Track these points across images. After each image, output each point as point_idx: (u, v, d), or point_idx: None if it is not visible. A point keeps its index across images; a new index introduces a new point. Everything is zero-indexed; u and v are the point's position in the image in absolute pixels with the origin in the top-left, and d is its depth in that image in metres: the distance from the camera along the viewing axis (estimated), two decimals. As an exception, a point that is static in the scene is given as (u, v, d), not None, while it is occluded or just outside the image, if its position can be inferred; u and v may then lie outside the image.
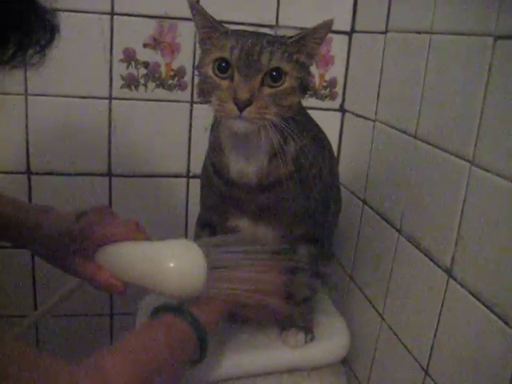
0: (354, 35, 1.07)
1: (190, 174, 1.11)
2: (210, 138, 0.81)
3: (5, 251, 1.06)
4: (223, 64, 0.67)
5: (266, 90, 0.66)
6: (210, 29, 0.69)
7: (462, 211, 0.66)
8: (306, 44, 0.69)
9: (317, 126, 0.86)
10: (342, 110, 1.12)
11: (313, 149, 0.77)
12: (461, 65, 0.68)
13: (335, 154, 1.05)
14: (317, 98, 1.11)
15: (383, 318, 0.88)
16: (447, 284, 0.69)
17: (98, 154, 1.05)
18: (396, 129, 0.85)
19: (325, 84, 1.10)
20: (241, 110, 0.64)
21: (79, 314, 1.14)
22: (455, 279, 0.67)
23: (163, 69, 1.03)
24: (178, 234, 1.13)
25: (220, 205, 0.81)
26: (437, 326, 0.71)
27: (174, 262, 0.66)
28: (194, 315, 0.65)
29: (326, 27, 0.68)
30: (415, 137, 0.79)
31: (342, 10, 1.05)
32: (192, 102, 1.06)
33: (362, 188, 0.98)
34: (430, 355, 0.72)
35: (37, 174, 1.04)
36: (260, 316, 0.85)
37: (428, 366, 0.73)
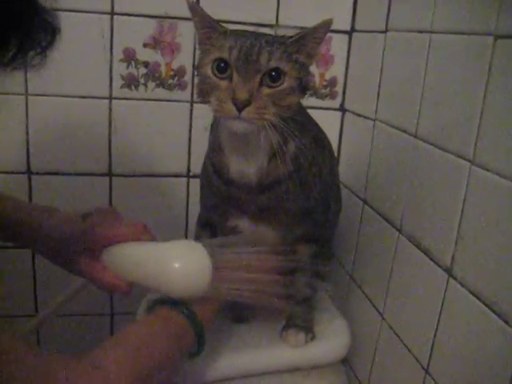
0: (354, 34, 1.07)
1: (191, 174, 1.11)
2: (210, 138, 0.81)
3: (6, 251, 1.06)
4: (222, 64, 0.67)
5: (265, 91, 0.66)
6: (209, 29, 0.69)
7: (462, 211, 0.66)
8: (305, 44, 0.68)
9: (317, 125, 0.86)
10: (342, 109, 1.12)
11: (312, 149, 0.77)
12: (461, 64, 0.68)
13: (335, 153, 1.05)
14: (317, 98, 1.11)
15: (383, 318, 0.88)
16: (447, 283, 0.69)
17: (99, 154, 1.05)
18: (396, 128, 0.85)
19: (325, 83, 1.10)
20: (240, 110, 0.64)
21: (80, 314, 1.14)
22: (455, 278, 0.67)
23: (163, 68, 1.03)
24: (178, 233, 1.13)
25: (220, 205, 0.81)
26: (437, 325, 0.71)
27: (179, 263, 0.66)
28: (190, 308, 0.65)
29: (325, 27, 0.68)
30: (415, 136, 0.78)
31: (342, 9, 1.05)
32: (192, 102, 1.06)
33: (362, 187, 0.98)
34: (431, 354, 0.73)
35: (37, 173, 1.04)
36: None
37: (428, 365, 0.73)
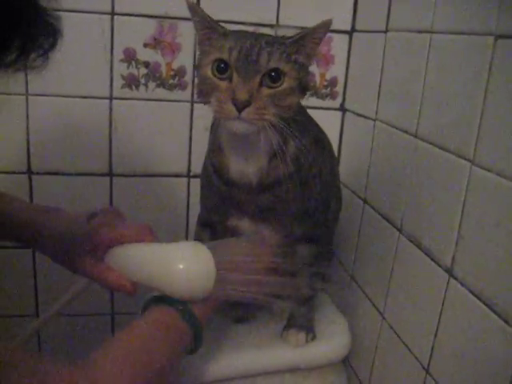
0: (355, 34, 1.07)
1: (191, 174, 1.11)
2: (210, 138, 0.81)
3: (6, 251, 1.06)
4: (222, 65, 0.66)
5: (265, 91, 0.66)
6: (209, 30, 0.69)
7: (463, 211, 0.66)
8: (304, 44, 0.68)
9: (317, 125, 0.86)
10: (342, 109, 1.12)
11: (313, 149, 0.77)
12: (461, 64, 0.68)
13: (336, 153, 1.05)
14: (317, 98, 1.11)
15: (384, 318, 0.88)
16: (448, 283, 0.69)
17: (99, 154, 1.06)
18: (396, 128, 0.85)
19: (325, 83, 1.10)
20: (239, 110, 0.64)
21: (80, 314, 1.14)
22: (456, 278, 0.67)
23: (164, 68, 1.03)
24: (178, 233, 1.13)
25: (220, 205, 0.81)
26: (437, 325, 0.71)
27: (183, 264, 0.66)
28: (187, 305, 0.65)
29: (325, 27, 0.68)
30: (416, 136, 0.78)
31: (342, 9, 1.05)
32: (192, 102, 1.06)
33: (363, 187, 0.98)
34: (431, 354, 0.73)
35: (38, 173, 1.04)
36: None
37: (429, 365, 0.73)
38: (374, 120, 0.94)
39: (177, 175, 1.11)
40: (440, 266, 0.71)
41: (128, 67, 1.02)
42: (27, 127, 1.01)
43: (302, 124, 0.73)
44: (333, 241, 0.96)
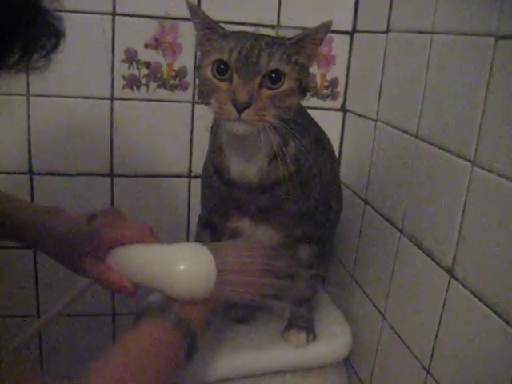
0: (356, 35, 1.07)
1: (192, 174, 1.11)
2: (211, 139, 0.81)
3: (7, 251, 1.06)
4: (222, 66, 0.67)
5: (265, 92, 0.66)
6: (209, 31, 0.69)
7: (464, 211, 0.66)
8: (304, 45, 0.68)
9: (317, 126, 0.86)
10: (343, 109, 1.12)
11: (313, 150, 0.78)
12: (462, 65, 0.68)
13: (336, 153, 1.05)
14: (318, 98, 1.11)
15: (385, 318, 0.88)
16: (449, 284, 0.69)
17: (100, 155, 1.06)
18: (397, 128, 0.85)
19: (326, 84, 1.10)
20: (240, 112, 0.64)
21: (81, 314, 1.14)
22: (457, 279, 0.67)
23: (165, 69, 1.03)
24: (179, 233, 1.13)
25: (220, 205, 0.81)
26: (438, 325, 0.71)
27: (184, 265, 0.66)
28: (179, 315, 0.64)
29: (325, 28, 0.68)
30: (416, 137, 0.78)
31: (343, 9, 1.05)
32: (194, 102, 1.06)
33: (364, 188, 0.98)
34: (432, 355, 0.73)
35: (39, 174, 1.04)
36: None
37: (430, 365, 0.73)
38: (375, 120, 0.94)
39: (178, 176, 1.11)
40: (441, 266, 0.71)
41: (129, 68, 1.02)
42: (28, 128, 1.01)
43: (302, 125, 0.73)
44: (333, 241, 0.96)
